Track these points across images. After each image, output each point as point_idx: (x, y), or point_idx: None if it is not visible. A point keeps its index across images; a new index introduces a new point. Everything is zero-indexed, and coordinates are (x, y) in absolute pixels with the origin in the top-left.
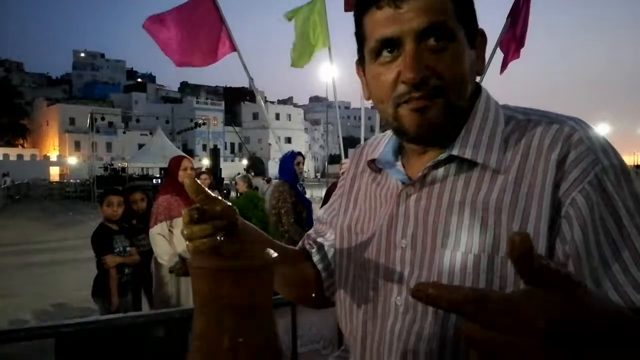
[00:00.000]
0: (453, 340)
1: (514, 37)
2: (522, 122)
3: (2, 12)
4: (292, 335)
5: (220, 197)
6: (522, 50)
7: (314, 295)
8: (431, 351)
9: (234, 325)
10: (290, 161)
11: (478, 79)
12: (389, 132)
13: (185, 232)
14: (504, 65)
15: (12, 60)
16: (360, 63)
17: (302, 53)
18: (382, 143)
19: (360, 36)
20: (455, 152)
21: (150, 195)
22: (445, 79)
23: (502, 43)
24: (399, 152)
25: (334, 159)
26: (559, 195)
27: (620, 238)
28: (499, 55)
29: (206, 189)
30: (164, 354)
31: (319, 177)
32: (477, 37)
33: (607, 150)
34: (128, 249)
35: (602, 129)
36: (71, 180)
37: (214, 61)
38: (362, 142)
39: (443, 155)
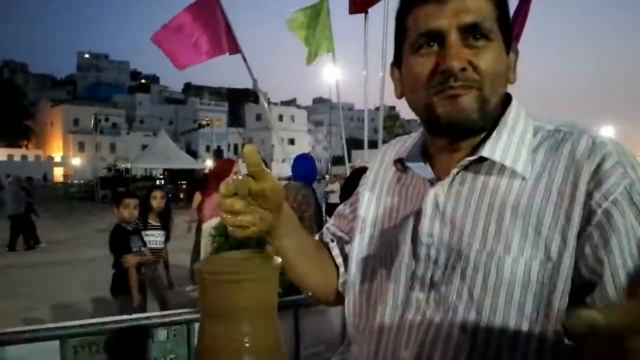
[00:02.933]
0: (472, 332)
1: None
2: (551, 132)
3: (6, 14)
4: (294, 338)
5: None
6: (522, 54)
7: (330, 288)
8: (449, 343)
9: (240, 330)
10: (312, 164)
11: None
12: (415, 134)
13: (220, 201)
14: None
15: (17, 61)
16: (396, 63)
17: (314, 49)
18: (409, 143)
19: (401, 34)
20: (485, 153)
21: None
22: (482, 73)
23: None
24: (426, 152)
25: (338, 160)
26: (591, 204)
27: None
28: None
29: (263, 165)
30: (169, 356)
31: (327, 177)
32: (512, 48)
33: (633, 164)
34: (143, 248)
35: (606, 132)
36: (75, 181)
37: (215, 55)
38: (365, 143)
39: (474, 156)
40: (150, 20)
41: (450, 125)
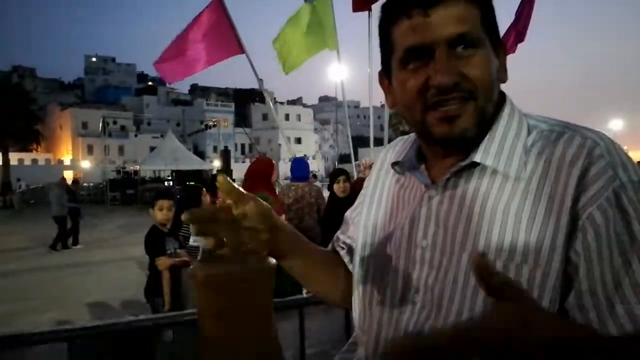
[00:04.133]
0: None
1: (514, 30)
2: (545, 132)
3: (14, 19)
4: (300, 336)
5: (254, 196)
6: (531, 48)
7: (347, 295)
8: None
9: (235, 331)
10: (305, 165)
11: None
12: (412, 136)
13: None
14: None
15: (25, 66)
16: (385, 73)
17: (291, 58)
18: (406, 146)
19: (388, 46)
20: (477, 158)
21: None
22: (476, 84)
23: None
24: (422, 155)
25: (344, 159)
26: (578, 209)
27: (632, 251)
28: None
29: (240, 189)
30: (176, 357)
31: None
32: (500, 48)
33: (626, 166)
34: (178, 250)
35: (615, 125)
36: (84, 184)
37: (221, 59)
38: (371, 140)
39: (466, 161)
40: (157, 22)
41: (446, 142)
